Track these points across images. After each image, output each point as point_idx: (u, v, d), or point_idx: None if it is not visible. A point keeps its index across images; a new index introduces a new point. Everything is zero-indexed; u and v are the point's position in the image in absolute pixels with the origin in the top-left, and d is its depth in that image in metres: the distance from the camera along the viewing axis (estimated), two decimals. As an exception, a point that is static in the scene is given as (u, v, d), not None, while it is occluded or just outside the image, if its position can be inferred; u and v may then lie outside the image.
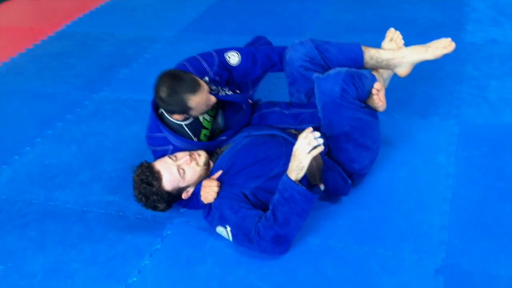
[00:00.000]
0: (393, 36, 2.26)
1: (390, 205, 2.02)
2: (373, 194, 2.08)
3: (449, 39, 2.15)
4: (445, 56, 2.75)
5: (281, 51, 2.26)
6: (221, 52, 2.23)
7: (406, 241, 1.84)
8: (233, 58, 2.22)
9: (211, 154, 2.12)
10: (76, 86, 3.30)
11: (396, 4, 3.88)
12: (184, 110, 1.99)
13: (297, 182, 1.77)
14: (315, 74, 2.05)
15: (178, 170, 1.97)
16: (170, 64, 3.49)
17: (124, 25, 4.22)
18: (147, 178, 1.94)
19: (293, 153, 1.80)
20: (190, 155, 2.02)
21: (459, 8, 3.67)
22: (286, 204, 1.77)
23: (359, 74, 1.97)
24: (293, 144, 2.02)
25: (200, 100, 1.96)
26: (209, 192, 1.96)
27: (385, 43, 2.26)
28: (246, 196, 1.94)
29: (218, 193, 1.95)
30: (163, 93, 1.95)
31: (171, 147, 2.09)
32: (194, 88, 1.93)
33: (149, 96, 3.10)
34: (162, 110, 2.10)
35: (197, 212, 2.10)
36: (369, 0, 4.02)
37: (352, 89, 1.91)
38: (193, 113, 2.03)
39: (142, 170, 1.96)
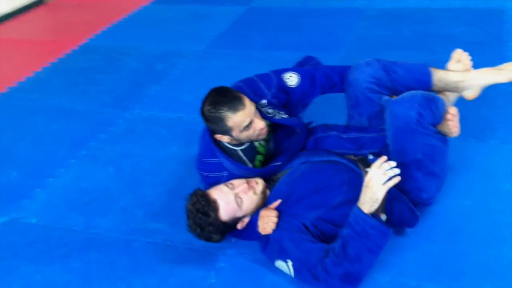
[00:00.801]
0: (461, 57, 2.12)
1: (461, 237, 1.88)
2: (440, 225, 1.95)
3: None
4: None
5: (342, 71, 2.14)
6: (278, 73, 2.12)
7: (485, 280, 1.71)
8: (292, 79, 2.10)
9: (266, 181, 2.00)
10: (106, 103, 3.19)
11: (432, 20, 3.78)
12: (225, 130, 1.88)
13: (370, 216, 1.64)
14: (385, 97, 1.93)
15: (235, 199, 1.85)
16: (200, 80, 3.43)
17: (149, 39, 4.12)
18: (203, 207, 1.81)
19: (365, 183, 1.67)
20: (248, 183, 1.89)
21: (498, 24, 3.57)
22: (358, 239, 1.64)
23: (434, 97, 1.86)
24: (355, 171, 1.91)
25: (240, 120, 1.84)
26: (268, 223, 1.83)
27: (451, 64, 2.14)
28: (306, 227, 1.81)
29: (277, 224, 1.82)
30: (206, 109, 1.87)
31: (225, 173, 1.97)
32: (235, 106, 1.83)
33: (184, 115, 3.04)
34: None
35: (250, 243, 1.97)
36: (402, 16, 3.92)
37: (428, 113, 1.79)
38: (235, 134, 1.90)
39: (198, 199, 1.84)
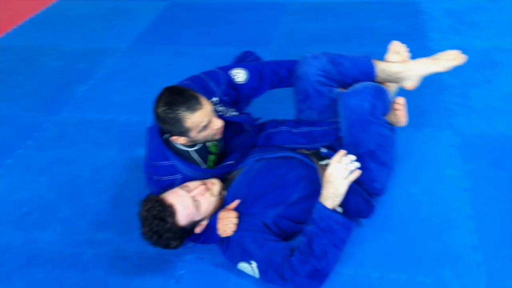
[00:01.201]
0: (398, 49, 2.19)
1: (414, 225, 1.95)
2: (392, 214, 2.00)
3: (458, 51, 2.10)
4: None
5: (289, 66, 2.12)
6: (225, 70, 2.06)
7: (443, 265, 1.78)
8: (239, 75, 2.05)
9: (222, 181, 1.94)
10: (28, 107, 2.95)
11: (355, 13, 3.88)
12: (181, 131, 1.80)
13: (333, 210, 1.65)
14: (336, 90, 1.94)
15: (192, 202, 1.78)
16: (131, 78, 3.28)
17: (67, 37, 3.87)
18: (160, 213, 1.72)
19: (326, 178, 1.67)
20: (204, 184, 1.82)
21: (416, 16, 3.74)
22: (323, 235, 1.64)
23: (382, 88, 1.90)
24: (309, 165, 1.91)
25: (198, 120, 1.77)
26: (228, 224, 1.78)
27: (390, 56, 2.19)
28: (267, 226, 1.79)
29: (237, 225, 1.78)
30: (159, 110, 1.77)
31: (179, 176, 1.88)
32: (193, 106, 1.75)
33: (117, 116, 2.88)
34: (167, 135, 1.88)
35: (208, 247, 1.91)
36: (326, 9, 3.99)
37: (380, 104, 1.83)
38: (193, 135, 1.83)
39: (153, 204, 1.74)
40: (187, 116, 1.74)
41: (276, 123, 2.15)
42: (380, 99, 1.84)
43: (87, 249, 1.95)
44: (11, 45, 3.76)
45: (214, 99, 1.95)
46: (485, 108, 2.60)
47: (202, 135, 1.83)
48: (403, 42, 3.31)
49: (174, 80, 3.11)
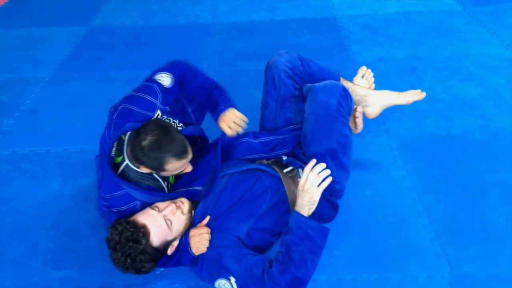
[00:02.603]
0: (365, 74, 2.33)
1: (374, 226, 2.04)
2: (351, 217, 2.09)
3: (419, 90, 2.26)
4: (346, 76, 2.91)
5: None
6: (151, 79, 2.01)
7: (408, 260, 1.88)
8: (164, 79, 2.01)
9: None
10: (-50, 146, 2.72)
11: (279, 30, 4.01)
12: (157, 168, 1.79)
13: (310, 218, 1.69)
14: (308, 84, 2.00)
15: (165, 221, 1.74)
16: (60, 107, 3.13)
17: (-20, 68, 3.62)
18: (133, 234, 1.67)
19: (300, 188, 1.72)
20: (174, 203, 1.79)
21: (337, 31, 3.93)
22: (301, 243, 1.67)
23: (349, 91, 1.99)
24: (273, 175, 1.94)
25: (179, 167, 1.81)
26: (201, 241, 1.76)
27: (357, 80, 2.32)
28: (241, 240, 1.80)
29: (211, 242, 1.76)
30: (146, 142, 1.72)
31: (137, 202, 1.83)
32: (181, 155, 1.77)
33: (52, 147, 2.73)
34: (125, 158, 1.82)
35: (178, 271, 1.87)
36: (250, 28, 4.08)
37: (346, 104, 1.91)
38: (163, 174, 1.85)
39: (124, 227, 1.68)
40: (171, 161, 1.74)
41: (237, 135, 2.16)
42: (347, 99, 1.93)
43: (47, 290, 1.83)
44: None
45: (157, 113, 1.91)
46: (414, 112, 2.78)
47: (169, 174, 1.85)
48: (329, 56, 3.52)
49: (105, 105, 3.03)
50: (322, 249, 1.72)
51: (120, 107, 1.92)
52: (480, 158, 2.37)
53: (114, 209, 1.85)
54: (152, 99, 1.92)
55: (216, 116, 2.03)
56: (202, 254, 1.76)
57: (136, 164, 1.81)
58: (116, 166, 1.87)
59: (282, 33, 3.96)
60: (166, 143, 1.72)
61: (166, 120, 1.93)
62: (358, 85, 2.24)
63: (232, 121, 1.99)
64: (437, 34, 3.72)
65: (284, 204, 1.89)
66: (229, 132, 1.98)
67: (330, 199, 1.96)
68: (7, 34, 4.23)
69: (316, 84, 1.96)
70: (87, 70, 3.52)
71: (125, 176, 1.85)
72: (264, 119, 2.17)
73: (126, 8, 4.70)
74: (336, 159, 1.93)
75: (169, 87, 2.00)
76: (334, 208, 1.97)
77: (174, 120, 1.98)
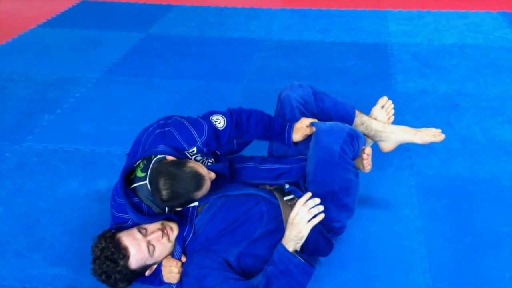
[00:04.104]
0: (385, 104, 2.25)
1: (370, 264, 1.96)
2: (350, 252, 2.02)
3: (439, 130, 2.17)
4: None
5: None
6: (206, 118, 2.00)
7: (397, 304, 1.79)
8: (219, 122, 1.99)
9: (182, 216, 1.93)
10: (-8, 135, 2.91)
11: (326, 52, 3.97)
12: (189, 203, 1.82)
13: (295, 253, 1.65)
14: (315, 122, 1.96)
15: (147, 246, 1.76)
16: (99, 109, 3.27)
17: (38, 65, 3.87)
18: (113, 254, 1.71)
19: (290, 220, 1.68)
20: (163, 230, 1.81)
21: (385, 58, 3.84)
22: (281, 278, 1.64)
23: (358, 135, 1.94)
24: (272, 202, 1.92)
25: (206, 190, 1.79)
26: (171, 273, 1.79)
27: (376, 109, 2.25)
28: (229, 263, 1.78)
29: (198, 262, 1.76)
30: (166, 196, 1.72)
31: (130, 218, 1.86)
32: (198, 185, 1.75)
33: (81, 147, 2.86)
34: (147, 179, 1.83)
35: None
36: (298, 48, 4.08)
37: (350, 150, 1.86)
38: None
39: (107, 244, 1.72)
40: (196, 195, 1.75)
41: (243, 158, 2.16)
42: (352, 145, 1.87)
43: (39, 285, 1.91)
44: (-21, 71, 3.73)
45: (193, 149, 1.92)
46: (444, 150, 2.66)
47: None
48: (370, 83, 3.44)
49: (142, 111, 3.15)
50: (304, 286, 1.67)
51: (167, 128, 1.93)
52: (502, 207, 2.22)
53: (113, 210, 1.90)
54: (196, 136, 1.93)
55: (289, 138, 2.02)
56: (185, 271, 1.77)
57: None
58: (135, 177, 1.87)
59: (328, 55, 3.92)
60: (181, 188, 1.71)
61: (198, 157, 1.95)
62: (375, 119, 2.18)
63: (304, 126, 1.98)
64: (490, 70, 3.54)
65: (280, 232, 1.84)
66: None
67: (326, 235, 1.90)
68: (70, 33, 4.49)
69: (322, 126, 1.91)
70: (133, 75, 3.66)
71: (136, 190, 1.87)
72: (273, 145, 2.15)
73: (185, 18, 4.85)
74: (336, 200, 1.88)
75: (222, 129, 1.99)
76: (329, 245, 1.91)
77: (208, 158, 2.00)
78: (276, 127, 2.02)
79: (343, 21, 4.68)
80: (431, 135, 2.13)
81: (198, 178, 1.73)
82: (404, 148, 2.67)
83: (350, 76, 3.57)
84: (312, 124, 1.97)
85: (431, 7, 4.90)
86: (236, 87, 3.42)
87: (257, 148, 2.29)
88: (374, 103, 2.32)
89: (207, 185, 1.77)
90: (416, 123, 2.94)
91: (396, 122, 2.85)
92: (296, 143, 2.04)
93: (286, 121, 2.05)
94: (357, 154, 1.94)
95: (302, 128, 2.00)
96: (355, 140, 1.89)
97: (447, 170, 2.51)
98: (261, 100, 3.13)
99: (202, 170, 1.78)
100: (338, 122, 1.96)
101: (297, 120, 2.04)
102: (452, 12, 4.73)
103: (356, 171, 1.97)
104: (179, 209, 1.88)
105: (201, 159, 1.94)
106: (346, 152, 1.84)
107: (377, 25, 4.55)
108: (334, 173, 1.85)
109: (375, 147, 2.26)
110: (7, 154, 2.71)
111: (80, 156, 2.72)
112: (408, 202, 2.29)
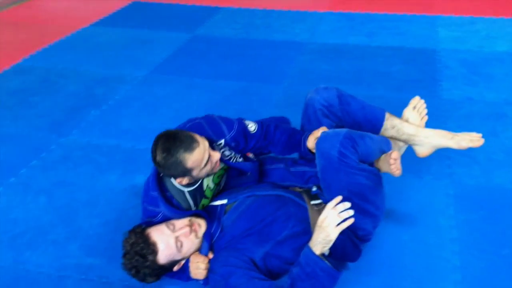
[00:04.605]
0: (417, 105, 2.16)
1: (400, 272, 1.92)
2: (379, 259, 1.98)
3: (480, 134, 2.04)
4: (426, 112, 2.75)
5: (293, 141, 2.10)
6: (240, 119, 2.06)
7: (424, 315, 1.74)
8: (251, 126, 2.04)
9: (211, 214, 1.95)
10: (40, 127, 3.04)
11: (370, 57, 3.92)
12: (184, 172, 1.81)
13: (321, 257, 1.64)
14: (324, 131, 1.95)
15: (175, 242, 1.80)
16: (142, 106, 3.36)
17: (88, 62, 4.00)
18: (142, 250, 1.75)
19: (318, 223, 1.67)
20: (190, 226, 1.84)
21: (432, 64, 3.75)
22: (307, 280, 1.63)
23: (362, 134, 1.89)
24: (300, 204, 1.91)
25: (198, 158, 1.79)
26: (198, 269, 1.82)
27: (407, 110, 2.17)
28: (255, 263, 1.79)
29: (224, 260, 1.78)
30: (159, 157, 1.78)
31: (161, 211, 1.91)
32: (190, 146, 1.77)
33: (123, 142, 2.95)
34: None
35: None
36: (342, 51, 4.04)
37: (351, 152, 1.79)
38: (196, 173, 1.84)
39: (136, 239, 1.77)
40: (187, 157, 1.76)
41: (274, 160, 2.17)
42: (353, 147, 1.80)
43: (73, 274, 1.98)
44: (32, 66, 3.90)
45: (221, 141, 1.97)
46: (487, 160, 2.57)
47: (204, 171, 1.85)
48: (414, 88, 3.36)
49: (183, 110, 3.20)
50: (328, 291, 1.66)
51: (198, 121, 2.00)
52: (544, 222, 2.13)
53: (144, 204, 1.94)
54: (225, 130, 1.98)
55: (304, 146, 2.03)
56: (211, 268, 1.79)
57: (177, 181, 1.88)
58: None
59: (373, 60, 3.86)
60: (173, 146, 1.75)
61: (226, 152, 1.98)
62: (407, 122, 2.11)
63: (318, 134, 1.95)
64: (543, 80, 3.39)
65: (307, 235, 1.83)
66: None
67: (355, 240, 1.88)
68: (120, 33, 4.63)
69: (323, 133, 1.87)
70: (177, 75, 3.73)
71: (166, 185, 1.92)
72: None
73: (232, 20, 4.90)
74: (353, 206, 1.77)
75: (252, 133, 2.04)
76: (357, 251, 1.89)
77: (236, 155, 2.03)
78: (297, 137, 2.04)
79: (391, 25, 4.60)
80: (468, 140, 2.03)
81: (191, 141, 1.76)
82: (444, 156, 2.60)
83: (394, 81, 3.51)
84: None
85: (484, 13, 4.74)
86: (276, 89, 3.43)
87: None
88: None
89: (200, 153, 1.77)
90: (460, 131, 2.78)
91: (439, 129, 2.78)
92: (312, 152, 2.01)
93: (308, 131, 2.04)
94: (366, 154, 1.88)
95: (314, 136, 1.97)
96: (355, 141, 1.82)
97: (488, 181, 2.42)
98: (300, 102, 3.07)
99: (200, 139, 1.79)
100: (336, 129, 1.90)
101: (320, 122, 2.02)
102: (506, 20, 4.56)
103: (374, 175, 1.91)
104: (183, 180, 1.85)
105: (229, 154, 1.96)
106: (346, 156, 1.78)
107: (426, 30, 4.45)
108: (338, 178, 1.81)
109: (411, 152, 2.21)
110: (53, 147, 2.83)
111: (121, 152, 2.80)
112: (444, 212, 2.23)
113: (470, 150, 2.61)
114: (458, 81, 3.46)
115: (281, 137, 2.04)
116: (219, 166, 1.92)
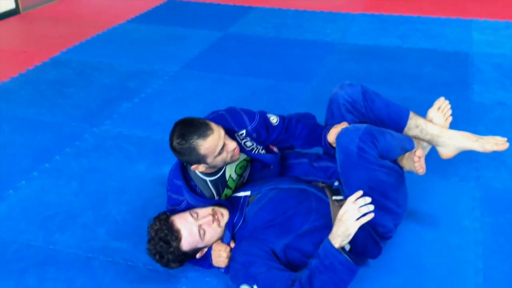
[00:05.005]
0: (442, 105, 2.15)
1: (420, 271, 1.92)
2: (400, 258, 1.98)
3: (505, 138, 2.03)
4: (456, 115, 2.72)
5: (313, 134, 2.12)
6: (262, 112, 2.10)
7: (443, 314, 1.74)
8: (272, 118, 2.08)
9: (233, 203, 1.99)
10: (75, 117, 3.14)
11: (401, 58, 3.91)
12: (199, 159, 1.85)
13: (340, 250, 1.66)
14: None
15: (198, 230, 1.84)
16: (172, 100, 3.43)
17: (123, 56, 4.11)
18: (166, 236, 1.80)
19: (338, 217, 1.69)
20: (213, 215, 1.88)
21: (464, 67, 3.71)
22: (325, 272, 1.65)
23: (382, 130, 1.90)
24: (322, 199, 1.93)
25: (212, 145, 1.82)
26: (220, 257, 1.86)
27: (432, 111, 2.16)
28: (276, 254, 1.82)
29: (245, 250, 1.82)
30: (175, 143, 1.83)
31: (185, 200, 1.96)
32: (204, 133, 1.80)
33: (153, 134, 3.02)
34: None
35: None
36: (373, 52, 4.04)
37: (371, 147, 1.79)
38: (210, 161, 1.87)
39: (161, 226, 1.82)
40: (200, 144, 1.79)
41: (298, 154, 2.20)
42: (372, 143, 1.80)
43: (100, 256, 2.05)
44: (69, 59, 4.03)
45: (242, 131, 2.01)
46: (517, 164, 2.54)
47: (220, 159, 1.88)
48: (445, 91, 3.34)
49: (211, 105, 3.26)
50: (346, 284, 1.66)
51: (221, 112, 2.05)
52: None
53: (169, 192, 2.01)
54: (247, 121, 2.03)
55: (325, 140, 2.05)
56: (233, 256, 1.83)
57: (192, 168, 1.93)
58: None
59: (403, 61, 3.85)
60: (186, 131, 1.80)
61: (248, 143, 2.02)
62: (431, 123, 2.11)
63: (339, 128, 1.98)
64: None
65: (328, 230, 1.81)
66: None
67: (375, 237, 1.89)
68: (154, 29, 4.74)
69: (343, 129, 1.88)
70: (207, 71, 3.80)
71: (190, 174, 1.98)
72: None
73: (264, 19, 4.95)
74: (373, 202, 1.75)
75: (274, 125, 2.08)
76: (378, 248, 1.90)
77: (258, 146, 2.06)
78: (318, 131, 2.06)
79: (424, 28, 4.57)
80: (493, 143, 2.02)
81: (206, 128, 1.80)
82: (472, 159, 2.58)
83: (424, 83, 3.49)
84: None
85: (521, 18, 4.66)
86: (304, 88, 3.45)
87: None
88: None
89: (213, 139, 1.79)
90: (490, 135, 2.78)
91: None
92: (332, 146, 2.02)
93: (329, 126, 2.06)
94: (386, 150, 1.87)
95: (335, 130, 1.98)
96: (375, 137, 1.81)
97: (517, 185, 2.40)
98: (325, 102, 3.14)
99: (216, 127, 1.82)
100: (357, 124, 1.90)
101: (344, 118, 2.04)
102: (543, 24, 4.48)
103: (396, 173, 1.91)
104: (201, 168, 1.88)
105: (251, 146, 2.00)
106: (365, 151, 1.78)
107: (460, 33, 4.41)
108: (358, 173, 1.82)
109: (438, 157, 2.20)
110: (86, 136, 2.92)
111: (150, 143, 2.87)
112: (469, 214, 2.21)
113: (499, 154, 2.61)
114: (490, 85, 3.42)
115: (303, 130, 2.07)
116: (238, 156, 1.94)
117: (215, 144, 1.82)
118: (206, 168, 1.92)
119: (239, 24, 4.82)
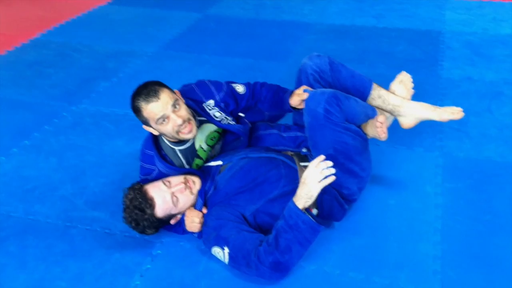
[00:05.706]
0: (404, 78, 2.24)
1: (382, 233, 2.04)
2: (365, 221, 2.09)
3: (460, 108, 2.11)
4: (425, 90, 2.84)
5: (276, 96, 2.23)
6: (228, 82, 2.21)
7: (402, 270, 1.86)
8: (238, 88, 2.19)
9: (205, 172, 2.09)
10: (54, 96, 3.20)
11: (375, 37, 3.99)
12: (143, 120, 1.96)
13: (304, 211, 1.76)
14: (308, 89, 2.06)
15: (171, 197, 1.93)
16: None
17: (102, 38, 4.14)
18: (140, 204, 1.89)
19: (302, 179, 1.78)
20: (185, 183, 1.97)
21: (435, 45, 3.81)
22: (289, 232, 1.75)
23: (347, 96, 1.99)
24: (291, 166, 2.03)
25: (151, 112, 1.90)
26: (193, 223, 1.95)
27: (394, 84, 2.24)
28: (246, 218, 1.92)
29: (217, 214, 1.91)
30: (131, 100, 1.95)
31: (156, 169, 2.05)
32: (148, 98, 1.89)
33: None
34: None
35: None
36: (348, 32, 4.12)
37: (337, 110, 1.89)
38: (154, 126, 1.95)
39: (135, 195, 1.91)
40: (143, 107, 1.91)
41: (268, 125, 2.29)
42: (338, 106, 1.89)
43: (78, 224, 2.13)
44: (49, 40, 4.06)
45: (210, 101, 2.10)
46: (480, 135, 2.65)
47: (165, 129, 1.94)
48: (415, 68, 3.45)
49: (190, 84, 3.32)
50: (310, 243, 1.77)
51: (190, 85, 2.17)
52: (528, 192, 2.22)
53: (141, 163, 2.11)
54: (214, 91, 2.14)
55: (287, 103, 2.15)
56: (205, 221, 1.93)
57: (143, 127, 2.02)
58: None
59: (377, 40, 3.94)
60: (139, 92, 1.92)
61: (217, 113, 2.10)
62: (393, 94, 2.21)
63: (300, 92, 2.08)
64: (544, 61, 3.44)
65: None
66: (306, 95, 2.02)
67: (340, 200, 1.99)
68: (134, 11, 4.76)
69: (311, 93, 1.97)
70: (186, 51, 3.86)
71: (161, 145, 2.07)
72: (296, 115, 2.26)
73: (242, 0, 4.99)
74: (339, 165, 1.89)
75: (241, 94, 2.19)
76: (343, 210, 2.01)
77: (227, 117, 2.15)
78: (280, 94, 2.17)
79: (399, 7, 4.65)
80: (450, 112, 2.12)
81: (153, 94, 1.90)
82: (437, 130, 2.69)
83: (396, 61, 3.58)
84: (305, 91, 2.05)
85: (493, -3, 4.77)
86: (280, 66, 3.53)
87: (285, 118, 2.41)
88: (416, 87, 2.29)
89: (154, 107, 1.89)
90: (457, 105, 2.92)
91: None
92: (296, 108, 2.14)
93: (291, 90, 2.17)
94: (351, 116, 1.97)
95: (298, 94, 2.09)
96: (341, 101, 1.91)
97: (478, 153, 2.51)
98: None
99: (164, 97, 1.91)
100: (323, 89, 2.01)
101: (312, 87, 2.13)
102: (514, 3, 4.59)
103: (361, 138, 2.01)
104: (144, 127, 2.00)
105: (220, 116, 2.08)
106: (331, 113, 1.88)
107: (434, 13, 4.49)
108: (324, 135, 1.92)
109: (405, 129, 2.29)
110: (65, 114, 2.98)
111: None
112: (431, 180, 2.33)
113: (463, 125, 2.73)
114: (459, 61, 3.53)
115: (267, 94, 2.18)
116: (192, 134, 1.98)
117: (155, 112, 1.90)
118: (161, 134, 2.01)
119: (218, 6, 4.86)
